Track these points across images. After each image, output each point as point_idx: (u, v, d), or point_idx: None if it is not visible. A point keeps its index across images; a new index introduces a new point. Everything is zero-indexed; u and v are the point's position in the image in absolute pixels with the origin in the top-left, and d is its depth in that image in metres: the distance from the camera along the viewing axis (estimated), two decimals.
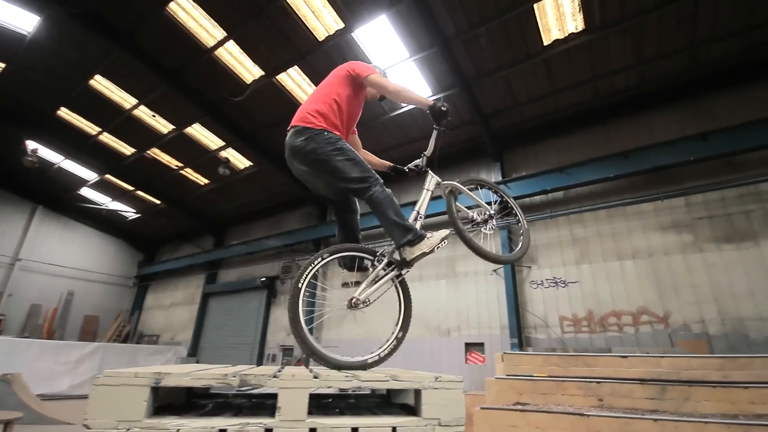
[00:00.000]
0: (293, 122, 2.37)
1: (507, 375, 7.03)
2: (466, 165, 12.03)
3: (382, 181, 2.34)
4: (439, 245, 2.26)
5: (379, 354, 2.17)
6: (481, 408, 5.92)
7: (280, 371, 1.37)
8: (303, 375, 1.32)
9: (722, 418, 5.23)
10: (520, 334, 9.52)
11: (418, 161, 2.70)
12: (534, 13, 8.31)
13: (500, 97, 10.39)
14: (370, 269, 2.32)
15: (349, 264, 2.39)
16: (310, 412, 1.39)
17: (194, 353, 16.40)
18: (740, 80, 8.75)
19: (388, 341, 2.28)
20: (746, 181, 8.04)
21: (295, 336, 1.97)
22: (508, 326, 9.72)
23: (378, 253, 2.34)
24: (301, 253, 14.88)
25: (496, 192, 2.96)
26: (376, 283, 2.26)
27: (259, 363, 14.36)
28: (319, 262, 2.13)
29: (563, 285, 9.57)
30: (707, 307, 7.89)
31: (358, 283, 2.33)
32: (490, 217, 2.76)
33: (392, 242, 2.28)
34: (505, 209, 2.96)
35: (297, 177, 2.49)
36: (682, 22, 8.14)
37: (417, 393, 1.42)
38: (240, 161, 14.40)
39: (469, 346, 10.40)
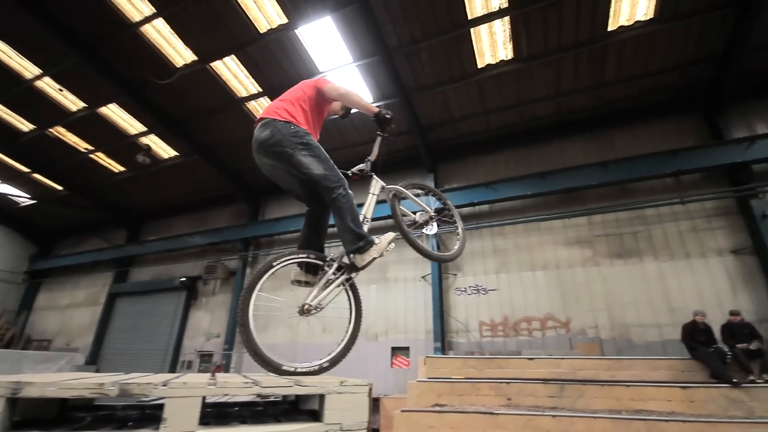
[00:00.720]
0: (261, 115, 2.34)
1: (428, 378, 7.31)
2: (402, 173, 12.33)
3: (347, 183, 2.34)
4: (387, 248, 2.31)
5: (332, 358, 2.18)
6: (402, 411, 6.08)
7: (172, 379, 1.28)
8: (195, 382, 1.25)
9: (608, 414, 5.97)
10: (443, 339, 9.96)
11: (362, 165, 2.70)
12: (470, 37, 8.87)
13: (437, 111, 10.88)
14: (320, 273, 2.32)
15: (303, 266, 2.36)
16: (207, 423, 1.33)
17: (94, 361, 14.62)
18: (636, 119, 10.15)
19: (339, 345, 2.28)
20: (635, 206, 9.33)
21: (246, 345, 1.93)
22: (432, 331, 10.12)
23: (327, 258, 2.34)
24: (227, 252, 14.09)
25: (436, 196, 3.04)
26: (326, 288, 2.26)
27: (172, 370, 13.24)
28: (276, 267, 2.10)
29: (484, 292, 10.23)
30: (600, 314, 8.97)
31: (307, 283, 2.33)
32: (431, 218, 2.86)
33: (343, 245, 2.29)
34: (443, 213, 3.04)
35: (265, 173, 2.45)
36: (592, 64, 9.25)
37: (321, 398, 1.42)
38: (164, 150, 13.27)
39: (395, 351, 10.63)
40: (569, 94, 10.02)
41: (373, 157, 2.68)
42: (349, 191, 2.31)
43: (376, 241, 2.29)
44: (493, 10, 8.34)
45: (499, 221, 10.54)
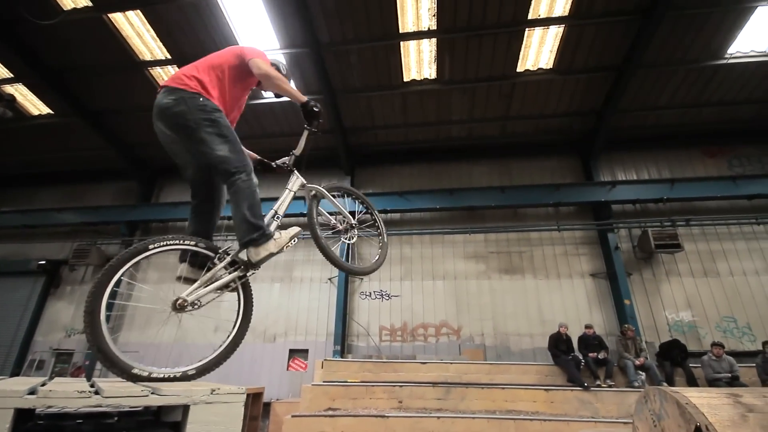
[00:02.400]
0: (165, 82, 2.08)
1: (324, 381, 7.22)
2: (320, 173, 12.15)
3: (251, 169, 2.09)
4: (289, 244, 2.08)
5: (202, 365, 1.88)
6: (292, 416, 5.89)
7: None
8: (10, 390, 1.02)
9: (485, 414, 6.58)
10: (343, 342, 9.97)
11: (285, 159, 2.53)
12: (400, 50, 9.18)
13: (360, 115, 10.98)
14: (209, 267, 2.00)
15: (187, 258, 2.03)
16: None
17: None
18: (531, 153, 11.56)
19: (217, 349, 1.98)
20: (524, 229, 10.59)
21: (90, 337, 1.53)
22: (333, 334, 10.07)
23: (221, 250, 2.03)
24: (106, 236, 12.20)
25: (361, 201, 2.81)
26: (212, 283, 1.96)
27: (16, 371, 10.91)
28: (153, 250, 1.78)
29: (387, 298, 10.54)
30: (486, 323, 9.91)
31: (189, 280, 2.01)
32: (351, 227, 2.66)
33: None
34: (367, 223, 2.83)
35: (162, 143, 2.17)
36: (501, 97, 10.30)
37: (185, 409, 1.27)
38: (33, 104, 11.01)
39: (294, 353, 10.31)
40: (480, 121, 10.99)
41: (298, 151, 2.50)
42: (253, 178, 2.06)
43: (276, 235, 2.05)
44: (423, 29, 8.76)
45: (409, 230, 11.01)
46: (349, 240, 2.65)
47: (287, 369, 10.07)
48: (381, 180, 11.98)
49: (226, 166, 1.99)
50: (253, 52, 2.25)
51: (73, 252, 11.83)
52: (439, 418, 6.19)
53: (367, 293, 10.67)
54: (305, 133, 2.46)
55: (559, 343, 7.98)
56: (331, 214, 2.68)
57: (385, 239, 2.83)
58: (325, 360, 7.80)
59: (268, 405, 8.85)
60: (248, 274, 2.08)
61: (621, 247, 10.00)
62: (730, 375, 6.91)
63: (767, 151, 10.77)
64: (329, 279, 10.78)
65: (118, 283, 1.69)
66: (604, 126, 10.36)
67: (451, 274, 10.59)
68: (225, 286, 2.01)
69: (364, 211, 2.81)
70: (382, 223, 2.84)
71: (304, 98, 2.31)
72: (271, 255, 2.01)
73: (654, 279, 9.88)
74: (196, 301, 1.91)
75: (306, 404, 6.58)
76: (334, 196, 2.58)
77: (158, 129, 2.12)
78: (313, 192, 2.48)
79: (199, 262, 2.02)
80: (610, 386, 7.37)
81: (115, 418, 1.34)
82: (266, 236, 2.00)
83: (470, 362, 8.39)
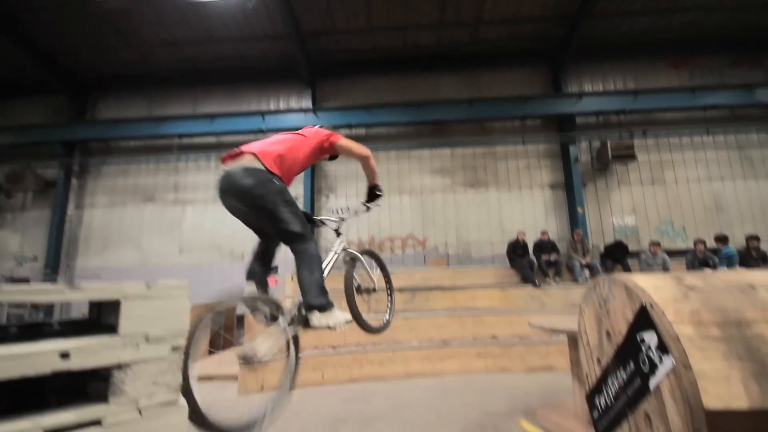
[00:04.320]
0: (246, 152, 2.18)
1: (293, 293, 7.47)
2: (276, 86, 11.18)
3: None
4: (342, 327, 2.21)
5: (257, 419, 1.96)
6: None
7: None
8: None
9: (447, 312, 7.20)
10: None
11: (335, 222, 2.84)
12: None
13: (320, 17, 9.81)
14: (272, 321, 2.18)
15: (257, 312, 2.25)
16: None
17: None
18: (502, 63, 11.07)
19: (267, 406, 2.01)
20: (489, 143, 10.59)
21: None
22: None
23: (283, 310, 2.21)
24: (41, 159, 11.03)
25: (381, 267, 3.08)
26: (276, 339, 2.09)
27: None
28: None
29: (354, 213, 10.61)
30: (450, 234, 10.38)
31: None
32: (375, 290, 2.92)
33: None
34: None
35: (229, 210, 2.31)
36: None
37: (115, 306, 1.16)
38: None
39: None
40: (452, 26, 10.17)
41: (347, 217, 2.74)
42: (315, 245, 2.32)
43: (336, 312, 2.21)
44: None
45: (375, 146, 10.71)
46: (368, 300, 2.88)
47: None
48: (345, 93, 11.23)
49: (297, 237, 2.23)
50: (335, 136, 2.48)
51: (6, 177, 10.73)
52: (405, 318, 6.70)
53: (335, 211, 10.67)
54: (360, 208, 2.80)
55: (516, 248, 8.57)
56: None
57: (393, 298, 3.16)
58: (294, 275, 7.98)
59: (241, 318, 9.24)
60: (298, 332, 2.27)
61: (580, 159, 10.35)
62: (662, 268, 7.81)
63: (728, 62, 10.92)
64: (294, 197, 10.59)
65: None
66: (577, 33, 9.92)
67: (418, 189, 10.69)
68: (286, 343, 2.17)
69: (382, 275, 3.07)
70: (392, 285, 3.19)
71: (378, 180, 2.68)
72: (327, 328, 2.15)
73: (606, 188, 10.49)
74: (263, 358, 1.99)
75: None
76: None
77: (229, 203, 2.24)
78: (351, 257, 2.73)
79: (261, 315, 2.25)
80: (558, 283, 8.18)
81: (53, 326, 1.23)
82: (331, 305, 2.20)
83: (435, 269, 8.92)
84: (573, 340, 3.81)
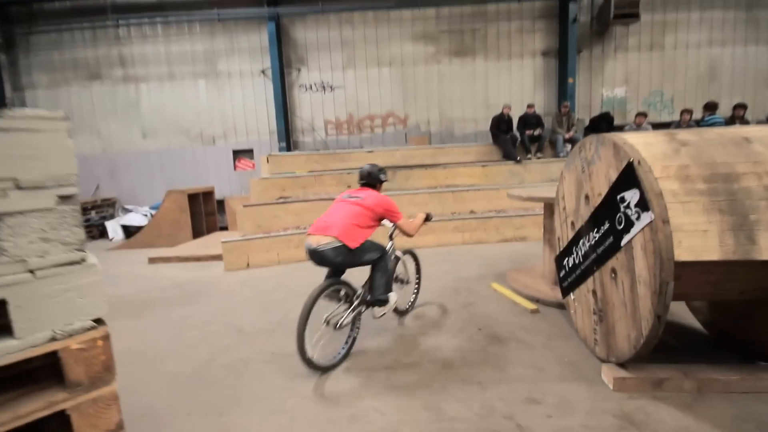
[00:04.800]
0: (327, 235, 2.68)
1: (272, 174, 7.24)
2: None
3: (388, 249, 3.08)
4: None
5: None
6: (244, 206, 6.05)
7: None
8: None
9: (427, 189, 7.20)
10: (288, 139, 9.68)
11: (390, 229, 3.32)
12: None
13: None
14: (347, 301, 2.83)
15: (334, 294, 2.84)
16: None
17: None
18: None
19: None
20: (479, 1, 9.24)
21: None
22: (276, 131, 9.63)
23: (359, 293, 2.85)
24: None
25: (415, 261, 3.77)
26: (349, 312, 2.76)
27: None
28: (325, 288, 2.66)
29: (330, 89, 9.75)
30: (432, 111, 9.82)
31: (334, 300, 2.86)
32: (408, 282, 3.62)
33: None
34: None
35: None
36: None
37: None
38: None
39: (238, 154, 10.02)
40: None
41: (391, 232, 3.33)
42: (390, 254, 3.11)
43: (394, 299, 3.04)
44: None
45: (349, 7, 9.24)
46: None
47: (235, 169, 9.98)
48: None
49: (377, 261, 2.93)
50: (396, 216, 3.03)
51: None
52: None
53: (308, 86, 9.74)
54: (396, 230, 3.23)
55: (500, 123, 8.22)
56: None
57: (418, 294, 3.80)
58: (270, 155, 7.62)
59: (221, 201, 9.16)
60: (363, 311, 2.94)
61: (579, 20, 9.26)
62: None
63: None
64: (262, 71, 9.51)
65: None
66: None
67: (398, 59, 9.66)
68: (355, 315, 2.83)
69: (416, 269, 3.82)
70: (421, 281, 3.89)
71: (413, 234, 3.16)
72: (383, 315, 3.07)
73: (601, 55, 9.69)
74: (341, 324, 2.69)
75: (257, 196, 6.73)
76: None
77: (315, 261, 2.78)
78: (396, 255, 3.36)
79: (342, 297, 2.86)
80: (539, 158, 8.11)
81: None
82: (389, 303, 3.00)
83: (416, 147, 8.65)
84: (549, 208, 3.81)
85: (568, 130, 8.29)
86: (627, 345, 2.15)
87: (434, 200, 6.83)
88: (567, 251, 2.98)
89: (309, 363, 2.45)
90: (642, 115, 7.94)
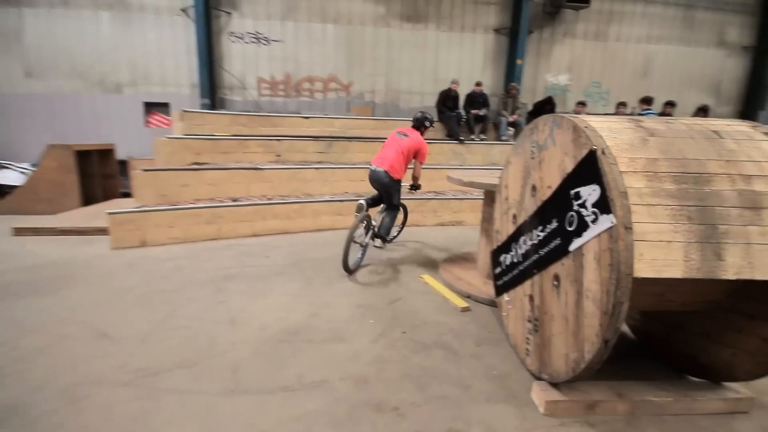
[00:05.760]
0: (382, 166, 3.82)
1: (185, 135, 6.18)
2: None
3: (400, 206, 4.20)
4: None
5: None
6: (143, 170, 5.04)
7: None
8: None
9: (365, 164, 6.63)
10: (213, 95, 8.46)
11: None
12: None
13: None
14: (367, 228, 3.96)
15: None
16: None
17: None
18: None
19: None
20: None
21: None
22: (199, 85, 8.35)
23: (373, 224, 3.99)
24: None
25: (404, 212, 4.92)
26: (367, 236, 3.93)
27: None
28: (363, 219, 3.77)
29: (266, 42, 8.60)
30: (379, 80, 9.13)
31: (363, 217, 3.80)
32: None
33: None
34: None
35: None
36: None
37: None
38: None
39: (151, 107, 8.60)
40: None
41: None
42: (399, 208, 4.20)
43: (391, 236, 4.36)
44: None
45: None
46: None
47: (146, 125, 8.58)
48: None
49: (393, 206, 4.02)
50: (424, 155, 3.95)
51: None
52: (318, 169, 6.02)
53: (240, 35, 8.50)
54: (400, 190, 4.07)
55: (447, 100, 7.81)
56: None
57: (400, 233, 5.02)
58: (184, 111, 6.50)
59: (124, 162, 7.81)
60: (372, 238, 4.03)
61: None
62: None
63: None
64: (183, 10, 8.07)
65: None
66: None
67: (345, 16, 8.73)
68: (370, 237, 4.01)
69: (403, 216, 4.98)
70: (405, 223, 5.08)
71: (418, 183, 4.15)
72: (381, 247, 4.53)
73: (551, 38, 9.59)
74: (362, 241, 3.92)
75: (164, 159, 5.69)
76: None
77: (374, 184, 3.94)
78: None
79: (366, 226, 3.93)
80: (482, 140, 7.89)
81: None
82: (388, 239, 4.16)
83: (357, 118, 7.98)
84: (489, 195, 3.47)
85: (513, 113, 8.14)
86: (564, 365, 1.85)
87: None
88: (505, 247, 2.63)
89: (348, 270, 3.67)
90: (581, 104, 7.99)
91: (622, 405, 1.93)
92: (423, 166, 4.06)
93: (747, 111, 10.53)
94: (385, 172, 3.76)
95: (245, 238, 4.94)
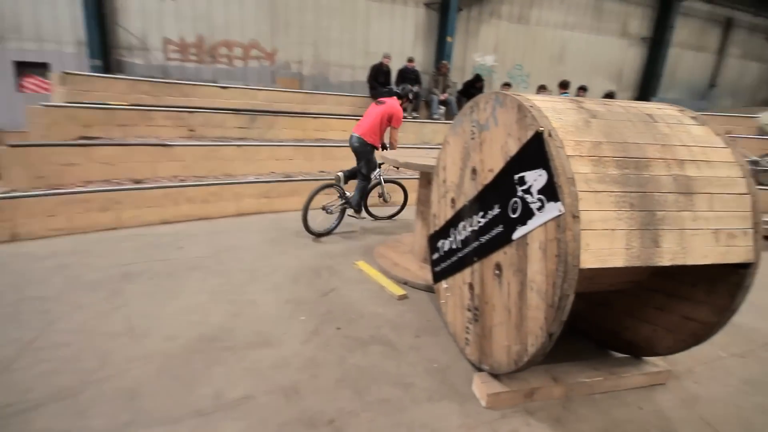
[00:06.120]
0: (358, 132, 4.04)
1: (68, 102, 5.13)
2: None
3: (373, 177, 4.32)
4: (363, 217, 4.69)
5: None
6: (10, 145, 4.06)
7: None
8: None
9: (294, 142, 6.15)
10: (106, 56, 7.16)
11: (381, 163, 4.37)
12: None
13: None
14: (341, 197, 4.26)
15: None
16: None
17: None
18: None
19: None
20: None
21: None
22: (88, 43, 6.99)
23: (347, 195, 4.23)
24: None
25: (403, 188, 5.21)
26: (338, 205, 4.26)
27: None
28: (326, 186, 4.07)
29: None
30: (307, 50, 8.48)
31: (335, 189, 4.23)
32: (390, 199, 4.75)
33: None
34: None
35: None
36: None
37: None
38: None
39: (25, 67, 7.03)
40: None
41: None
42: (370, 180, 4.32)
43: (361, 215, 4.49)
44: None
45: None
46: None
47: (19, 90, 7.03)
48: None
49: (364, 172, 4.15)
50: (398, 121, 4.09)
51: None
52: (239, 146, 5.42)
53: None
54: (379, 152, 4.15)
55: (378, 75, 7.52)
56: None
57: (403, 208, 5.26)
58: (66, 73, 5.37)
59: None
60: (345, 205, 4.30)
61: None
62: None
63: None
64: None
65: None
66: None
67: None
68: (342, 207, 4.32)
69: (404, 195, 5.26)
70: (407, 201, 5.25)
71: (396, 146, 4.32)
72: (354, 216, 4.41)
73: (479, 18, 9.69)
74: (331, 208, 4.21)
75: (41, 131, 4.66)
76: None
77: (351, 148, 4.14)
78: (379, 180, 4.49)
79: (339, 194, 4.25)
80: (414, 118, 7.78)
81: None
82: (359, 209, 4.29)
83: (283, 90, 7.35)
84: (425, 177, 3.33)
85: (444, 91, 8.13)
86: (506, 357, 1.78)
87: (300, 155, 5.87)
88: (443, 232, 2.51)
89: (310, 231, 4.04)
90: (507, 85, 8.24)
91: (558, 389, 1.94)
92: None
93: (642, 97, 11.80)
94: (359, 137, 3.99)
95: (153, 227, 4.28)
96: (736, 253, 1.57)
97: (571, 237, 1.37)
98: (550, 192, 1.44)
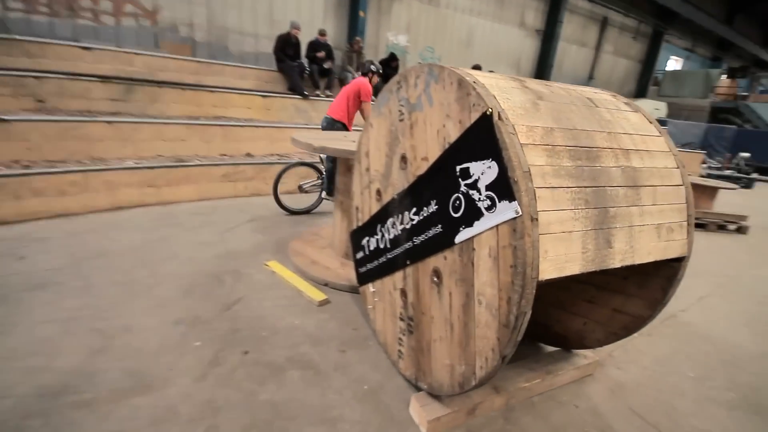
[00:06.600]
0: (328, 112, 4.23)
1: None
2: None
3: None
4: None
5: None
6: None
7: None
8: None
9: (186, 120, 5.19)
10: None
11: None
12: None
13: None
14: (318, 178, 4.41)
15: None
16: None
17: None
18: None
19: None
20: None
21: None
22: None
23: (323, 177, 4.34)
24: None
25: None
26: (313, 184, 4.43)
27: None
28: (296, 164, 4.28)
29: None
30: (198, 11, 7.26)
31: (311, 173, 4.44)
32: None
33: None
34: None
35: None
36: None
37: None
38: None
39: None
40: None
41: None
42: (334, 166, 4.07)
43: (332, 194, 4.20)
44: None
45: None
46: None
47: None
48: None
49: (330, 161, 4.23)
50: (366, 95, 4.13)
51: None
52: (110, 122, 4.36)
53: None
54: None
55: (287, 46, 6.78)
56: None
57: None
58: None
59: None
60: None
61: None
62: None
63: None
64: None
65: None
66: None
67: None
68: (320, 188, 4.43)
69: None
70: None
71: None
72: (327, 199, 4.38)
73: None
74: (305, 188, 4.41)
75: None
76: None
77: (321, 128, 4.32)
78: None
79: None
80: (328, 96, 7.25)
81: None
82: (330, 192, 4.24)
83: (170, 57, 6.19)
84: (345, 163, 2.95)
85: (358, 69, 7.69)
86: (448, 378, 1.54)
87: (195, 136, 4.99)
88: (369, 228, 2.18)
89: (282, 206, 4.26)
90: None
91: (499, 399, 1.79)
92: (269, 124, 3.60)
93: None
94: (326, 116, 4.18)
95: None
96: (674, 247, 1.52)
97: (530, 244, 1.13)
98: (503, 189, 1.19)
